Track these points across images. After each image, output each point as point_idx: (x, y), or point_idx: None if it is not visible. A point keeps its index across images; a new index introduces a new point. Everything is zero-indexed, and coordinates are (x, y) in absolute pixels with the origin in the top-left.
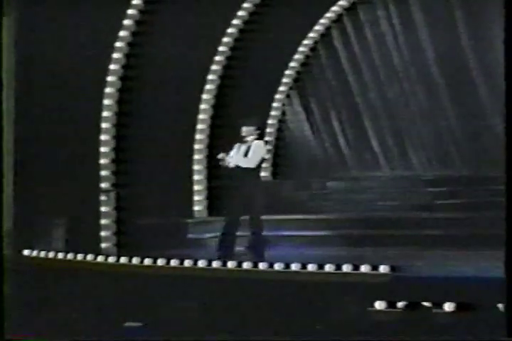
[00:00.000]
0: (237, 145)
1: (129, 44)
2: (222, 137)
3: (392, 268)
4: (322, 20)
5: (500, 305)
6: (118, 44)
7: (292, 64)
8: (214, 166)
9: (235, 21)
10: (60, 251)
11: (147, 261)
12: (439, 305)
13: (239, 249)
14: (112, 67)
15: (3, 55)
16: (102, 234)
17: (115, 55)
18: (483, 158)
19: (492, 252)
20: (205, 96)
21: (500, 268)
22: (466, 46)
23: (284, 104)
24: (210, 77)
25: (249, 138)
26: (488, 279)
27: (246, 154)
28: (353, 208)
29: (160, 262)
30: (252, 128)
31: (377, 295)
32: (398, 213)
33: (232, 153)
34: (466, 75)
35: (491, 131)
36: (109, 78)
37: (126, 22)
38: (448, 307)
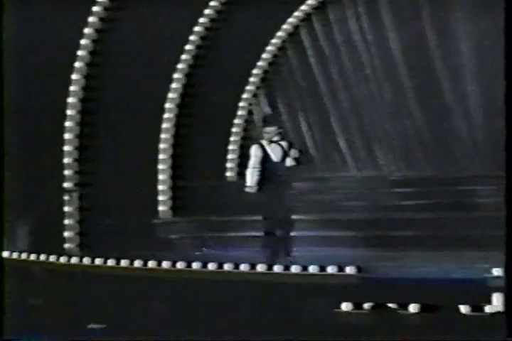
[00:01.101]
0: (255, 147)
1: (94, 41)
2: (188, 136)
3: (359, 270)
4: (290, 19)
5: (461, 307)
6: (83, 41)
7: (260, 63)
8: (179, 165)
9: (201, 20)
10: (24, 252)
11: (110, 262)
12: (405, 306)
13: (206, 250)
14: (76, 64)
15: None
16: (66, 234)
17: (80, 53)
18: (449, 158)
19: (458, 253)
20: (170, 95)
21: (465, 268)
22: (434, 46)
23: (251, 104)
24: (176, 75)
25: (275, 139)
26: (454, 280)
27: (285, 153)
28: (319, 209)
29: (123, 263)
30: (274, 128)
31: (343, 296)
32: (365, 214)
33: (251, 163)
34: (433, 76)
35: (456, 132)
36: (74, 76)
37: (91, 19)
38: (413, 308)
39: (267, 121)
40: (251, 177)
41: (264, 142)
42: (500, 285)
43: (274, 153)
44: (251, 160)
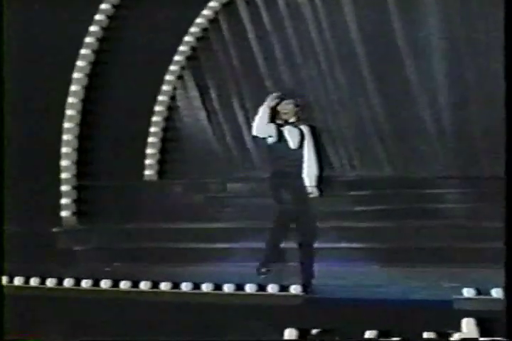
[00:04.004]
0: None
1: None
2: (97, 126)
3: (305, 289)
4: None
5: (425, 334)
6: None
7: (187, 38)
8: (86, 161)
9: None
10: None
11: (4, 280)
12: (360, 333)
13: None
14: None
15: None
16: None
17: None
18: (412, 156)
19: (422, 270)
20: (76, 75)
21: (430, 288)
22: (397, 24)
23: (175, 88)
24: (83, 51)
25: (292, 119)
26: (417, 302)
27: (301, 142)
28: (257, 215)
29: (17, 281)
30: (292, 105)
31: (286, 320)
32: None
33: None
34: (395, 60)
35: (421, 125)
36: None
37: None
38: (369, 335)
39: (284, 97)
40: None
41: (279, 122)
42: (471, 309)
43: (292, 138)
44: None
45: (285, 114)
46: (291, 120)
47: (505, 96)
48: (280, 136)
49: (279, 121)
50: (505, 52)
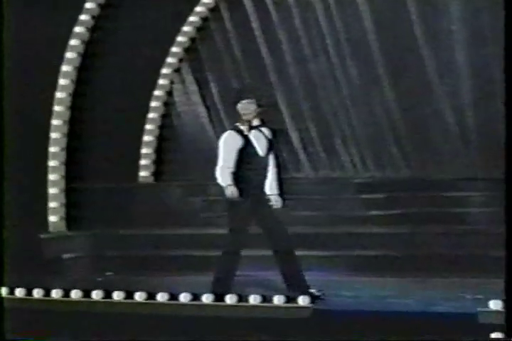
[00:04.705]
0: (232, 135)
1: None
2: (88, 124)
3: (313, 300)
4: None
5: None
6: None
7: (185, 28)
8: (75, 162)
9: None
10: None
11: None
12: None
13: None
14: None
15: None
16: None
17: None
18: (431, 156)
19: (444, 280)
20: (64, 67)
21: (453, 300)
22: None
23: (172, 82)
24: (72, 42)
25: (256, 122)
26: (438, 315)
27: (271, 144)
28: (259, 220)
29: (2, 291)
30: (254, 105)
31: (294, 335)
32: (321, 227)
33: (223, 157)
34: (412, 52)
35: (440, 123)
36: None
37: None
38: None
39: (242, 96)
40: (222, 177)
41: (243, 128)
42: (499, 323)
43: (260, 145)
44: (222, 154)
45: (245, 114)
46: (255, 123)
47: (506, 96)
48: (246, 141)
49: (242, 126)
50: (505, 52)
